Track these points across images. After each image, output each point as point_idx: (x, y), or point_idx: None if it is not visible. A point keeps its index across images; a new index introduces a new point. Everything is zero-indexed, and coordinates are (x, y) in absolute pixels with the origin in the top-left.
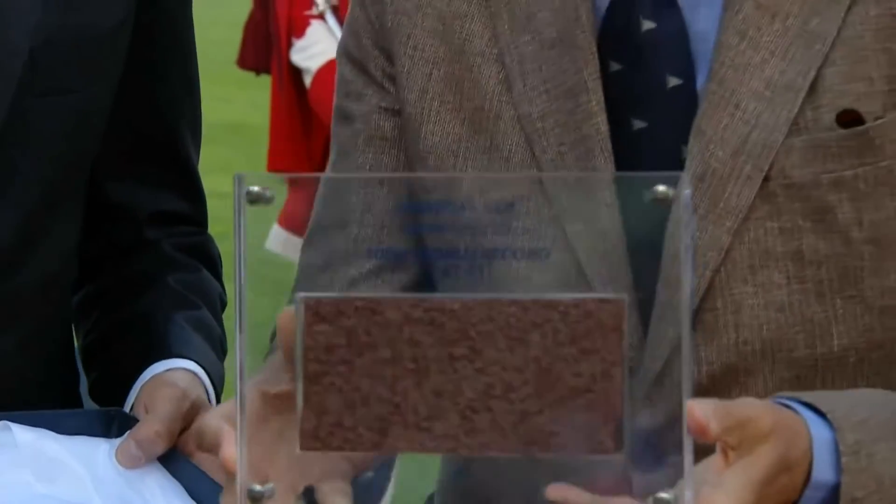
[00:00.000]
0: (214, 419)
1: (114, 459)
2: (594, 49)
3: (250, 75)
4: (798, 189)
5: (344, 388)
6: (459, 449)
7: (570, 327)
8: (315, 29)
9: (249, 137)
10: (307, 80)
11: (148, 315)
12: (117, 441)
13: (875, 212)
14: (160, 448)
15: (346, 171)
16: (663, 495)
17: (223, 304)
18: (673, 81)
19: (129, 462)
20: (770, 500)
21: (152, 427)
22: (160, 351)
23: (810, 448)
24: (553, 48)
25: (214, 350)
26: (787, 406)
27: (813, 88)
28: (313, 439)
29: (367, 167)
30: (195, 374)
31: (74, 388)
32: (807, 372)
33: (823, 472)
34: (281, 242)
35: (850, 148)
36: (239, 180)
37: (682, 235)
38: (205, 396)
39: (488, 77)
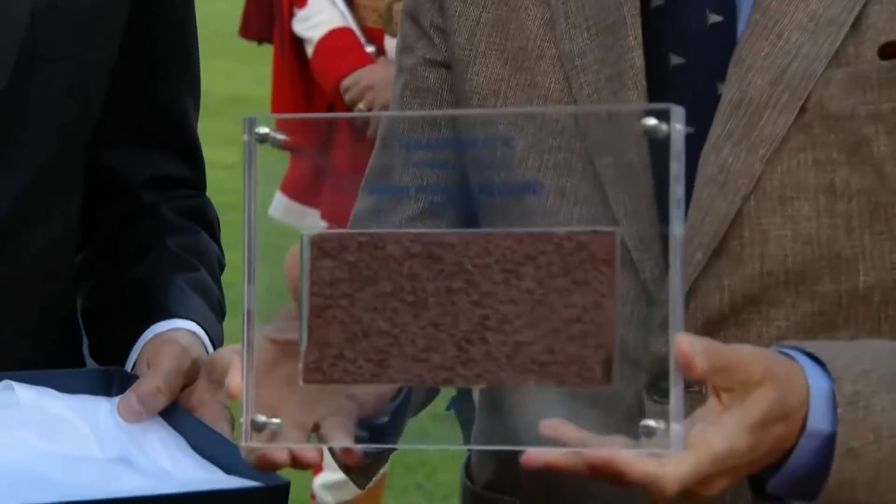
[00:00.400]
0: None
1: (115, 416)
2: None
3: (253, 49)
4: (835, 121)
5: (346, 322)
6: (455, 379)
7: (563, 259)
8: None
9: (252, 110)
10: (309, 51)
11: (147, 277)
12: (118, 399)
13: None
14: (161, 403)
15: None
16: (651, 423)
17: (221, 267)
18: (713, 18)
19: (130, 416)
20: (765, 446)
21: (153, 382)
22: (160, 312)
23: (808, 397)
24: None
25: (213, 311)
26: (788, 355)
27: (856, 24)
28: (315, 371)
29: None
30: (195, 334)
31: (78, 351)
32: (830, 307)
33: (819, 420)
34: (282, 209)
35: (890, 80)
36: (249, 123)
37: (672, 166)
38: (205, 356)
39: (534, 18)
